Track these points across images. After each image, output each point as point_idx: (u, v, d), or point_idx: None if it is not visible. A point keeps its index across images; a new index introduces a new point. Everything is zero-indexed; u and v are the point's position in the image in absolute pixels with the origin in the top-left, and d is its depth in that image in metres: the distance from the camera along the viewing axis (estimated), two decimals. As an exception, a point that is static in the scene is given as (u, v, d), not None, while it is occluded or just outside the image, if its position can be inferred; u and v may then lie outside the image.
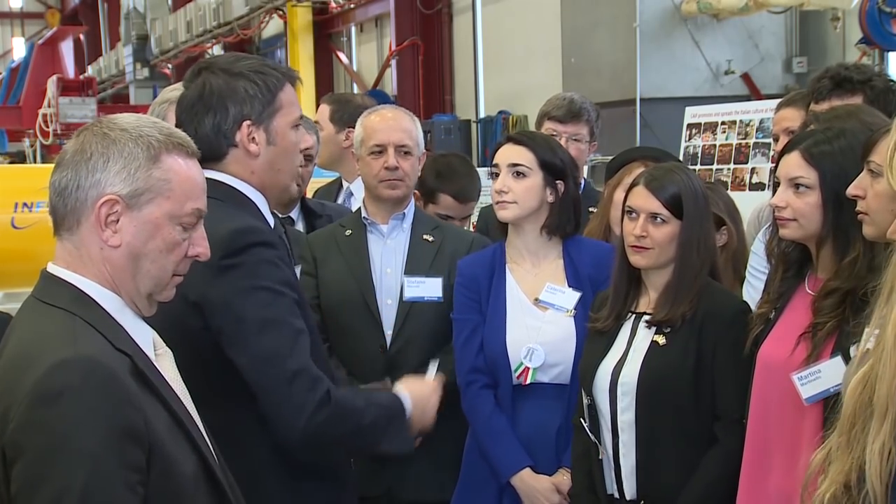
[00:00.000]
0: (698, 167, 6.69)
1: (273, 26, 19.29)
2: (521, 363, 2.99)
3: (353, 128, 3.59)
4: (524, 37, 12.75)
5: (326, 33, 18.35)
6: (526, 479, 2.98)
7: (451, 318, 3.14)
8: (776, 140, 3.63)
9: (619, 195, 3.18)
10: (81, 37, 26.38)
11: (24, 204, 7.71)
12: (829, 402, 2.25)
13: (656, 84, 9.33)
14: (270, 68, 2.36)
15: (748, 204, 3.86)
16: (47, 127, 17.96)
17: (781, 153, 2.53)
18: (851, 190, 2.28)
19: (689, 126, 7.05)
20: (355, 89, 17.20)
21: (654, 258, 2.75)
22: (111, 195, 1.77)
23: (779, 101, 3.81)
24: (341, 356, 3.25)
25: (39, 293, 1.82)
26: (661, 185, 2.75)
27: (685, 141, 7.05)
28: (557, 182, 3.05)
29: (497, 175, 3.06)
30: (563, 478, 2.97)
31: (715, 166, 6.70)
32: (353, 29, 18.10)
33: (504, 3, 13.44)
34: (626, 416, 2.72)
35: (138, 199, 1.79)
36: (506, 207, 3.04)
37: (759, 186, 6.32)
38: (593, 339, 2.86)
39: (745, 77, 9.53)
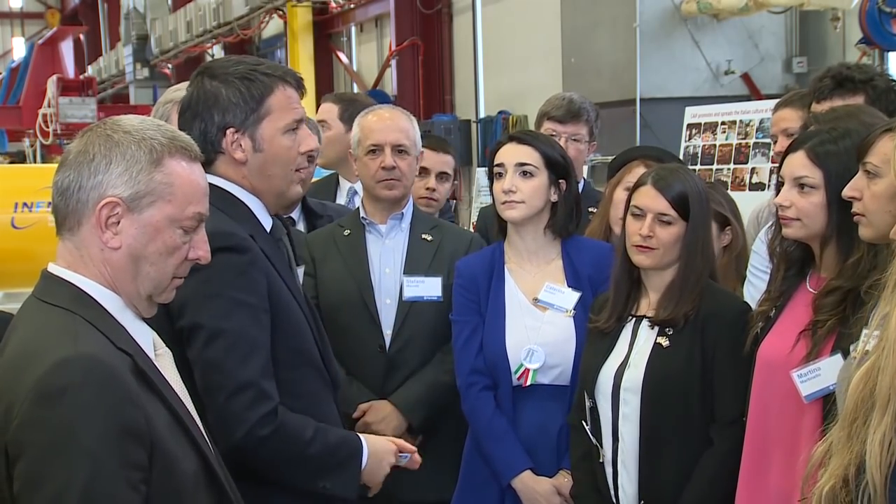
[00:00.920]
0: (698, 167, 6.68)
1: (273, 26, 19.25)
2: (522, 364, 2.99)
3: (362, 127, 3.58)
4: (524, 37, 12.72)
5: (326, 33, 18.32)
6: (526, 482, 2.98)
7: (450, 320, 3.14)
8: (774, 141, 3.62)
9: (619, 194, 3.19)
10: (81, 37, 26.33)
11: (24, 204, 7.71)
12: (829, 400, 2.26)
13: (656, 84, 9.31)
14: (261, 73, 2.31)
15: (748, 204, 3.86)
16: (47, 127, 17.93)
17: (786, 153, 2.53)
18: (847, 192, 2.28)
19: (689, 126, 7.04)
20: (355, 89, 17.15)
21: (658, 259, 2.75)
22: (112, 197, 1.78)
23: (776, 101, 3.81)
24: (340, 356, 3.24)
25: (40, 293, 1.82)
26: (669, 184, 2.74)
27: (685, 141, 7.05)
28: (560, 181, 3.06)
29: (501, 175, 3.05)
30: (564, 480, 2.97)
31: (715, 166, 6.70)
32: (353, 29, 18.06)
33: (504, 3, 13.42)
34: (629, 419, 2.72)
35: (139, 201, 1.80)
36: (514, 207, 3.02)
37: (759, 186, 6.32)
38: (594, 341, 2.85)
39: (745, 77, 9.51)
